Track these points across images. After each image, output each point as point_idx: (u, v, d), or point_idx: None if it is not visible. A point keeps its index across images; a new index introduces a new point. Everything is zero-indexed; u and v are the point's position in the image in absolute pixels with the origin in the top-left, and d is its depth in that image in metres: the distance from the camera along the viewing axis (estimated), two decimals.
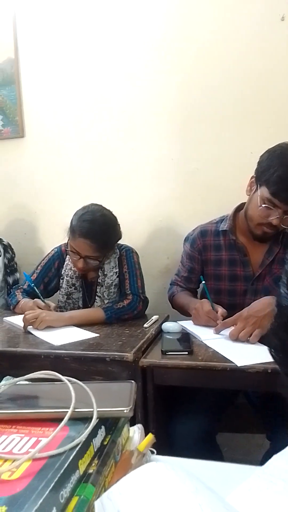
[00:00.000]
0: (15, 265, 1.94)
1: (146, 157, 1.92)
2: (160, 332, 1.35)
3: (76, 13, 1.92)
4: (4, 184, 2.14)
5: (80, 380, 0.60)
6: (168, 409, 1.22)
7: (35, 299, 1.48)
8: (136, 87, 1.89)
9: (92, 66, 1.93)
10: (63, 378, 0.58)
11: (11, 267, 1.90)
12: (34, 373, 0.60)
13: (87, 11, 1.90)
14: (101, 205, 1.55)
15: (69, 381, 0.58)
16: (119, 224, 1.55)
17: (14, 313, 1.55)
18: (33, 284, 1.52)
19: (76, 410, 0.52)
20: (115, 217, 1.54)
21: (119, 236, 1.55)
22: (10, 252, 1.92)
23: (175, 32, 1.81)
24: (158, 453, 0.63)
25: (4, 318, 1.51)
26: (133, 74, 1.88)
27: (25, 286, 1.61)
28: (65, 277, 1.62)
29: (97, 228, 1.45)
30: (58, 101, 2.00)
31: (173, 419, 1.18)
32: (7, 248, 1.90)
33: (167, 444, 1.11)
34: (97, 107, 1.95)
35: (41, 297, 1.48)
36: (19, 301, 1.54)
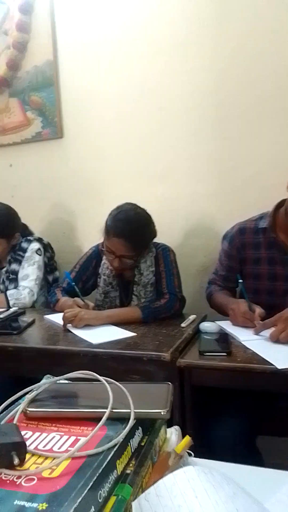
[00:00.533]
0: (54, 264, 1.99)
1: (183, 155, 1.91)
2: (197, 332, 1.33)
3: (114, 15, 1.93)
4: (44, 184, 2.20)
5: (118, 379, 0.61)
6: (206, 411, 1.21)
7: (74, 298, 1.51)
8: (173, 84, 1.88)
9: (129, 66, 1.94)
10: (101, 378, 0.59)
11: (50, 266, 1.95)
12: (73, 372, 0.61)
13: (124, 12, 1.91)
14: (134, 204, 1.56)
15: (107, 381, 0.58)
16: (153, 223, 1.55)
17: (54, 311, 1.58)
18: (73, 283, 1.55)
19: (114, 410, 0.53)
20: (149, 216, 1.54)
21: (153, 235, 1.55)
22: (50, 251, 1.97)
23: (210, 28, 1.77)
24: (195, 456, 0.62)
25: (45, 315, 1.55)
26: (170, 72, 1.87)
27: (64, 285, 1.65)
28: (102, 276, 1.64)
29: (130, 227, 1.46)
30: (95, 101, 2.03)
31: (211, 421, 1.16)
32: (47, 247, 1.95)
33: (205, 447, 1.10)
34: (134, 106, 1.96)
35: (81, 295, 1.51)
36: (59, 299, 1.58)
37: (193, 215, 1.93)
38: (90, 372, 0.60)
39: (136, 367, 1.15)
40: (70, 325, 1.37)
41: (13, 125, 2.18)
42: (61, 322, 1.40)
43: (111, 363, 1.16)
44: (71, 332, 1.33)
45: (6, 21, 2.13)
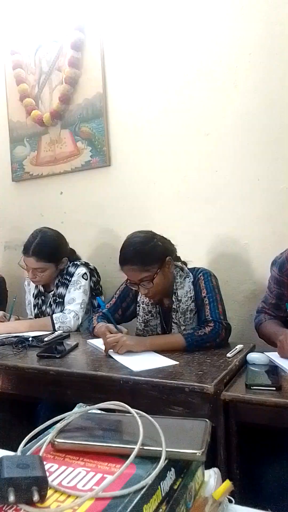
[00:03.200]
0: (100, 289, 2.00)
1: (231, 178, 1.87)
2: (244, 363, 1.26)
3: (160, 44, 1.98)
4: (92, 210, 2.25)
5: (158, 410, 0.58)
6: (254, 451, 1.11)
7: (107, 324, 1.50)
8: (221, 109, 1.87)
9: (176, 93, 1.97)
10: (132, 410, 0.55)
11: (96, 290, 1.97)
12: (105, 403, 0.59)
13: (169, 39, 1.96)
14: (138, 231, 1.57)
15: (139, 414, 0.55)
16: (161, 237, 1.54)
17: (95, 336, 1.58)
18: (105, 309, 1.55)
19: (144, 448, 0.49)
20: (152, 234, 1.55)
21: (160, 248, 1.50)
22: (96, 275, 1.99)
23: (260, 51, 1.76)
24: (237, 503, 0.56)
25: (88, 340, 1.55)
26: (218, 96, 1.87)
27: (104, 310, 1.65)
28: (141, 304, 1.62)
29: (130, 251, 1.48)
30: (142, 130, 2.07)
31: (259, 464, 1.07)
32: (93, 272, 1.98)
33: (251, 493, 1.00)
34: (180, 133, 1.97)
35: (114, 322, 1.50)
36: (95, 326, 1.58)
37: (241, 239, 1.87)
38: (122, 403, 0.57)
39: (177, 398, 1.09)
40: (112, 350, 1.35)
41: (64, 155, 2.28)
42: (103, 347, 1.38)
43: (151, 392, 1.12)
44: (113, 358, 1.31)
45: (59, 58, 2.27)
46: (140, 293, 1.54)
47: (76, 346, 1.49)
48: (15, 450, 0.59)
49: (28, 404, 1.55)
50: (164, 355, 1.30)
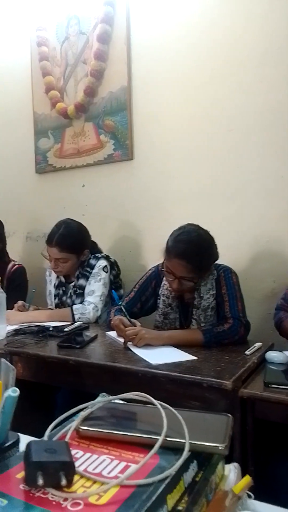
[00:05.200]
0: (120, 282, 2.02)
1: (253, 175, 1.85)
2: (263, 361, 1.25)
3: (186, 39, 1.97)
4: (113, 204, 2.26)
5: (175, 403, 0.58)
6: (271, 448, 1.11)
7: (121, 317, 1.50)
8: (245, 105, 1.85)
9: (201, 88, 1.95)
10: (156, 402, 0.56)
11: (116, 283, 1.98)
12: (128, 393, 0.60)
13: (196, 35, 1.94)
14: (197, 225, 1.53)
15: (162, 406, 0.56)
16: (215, 245, 1.50)
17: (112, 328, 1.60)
18: (120, 303, 1.56)
19: (168, 439, 0.50)
20: (211, 237, 1.50)
21: (215, 257, 1.50)
22: (116, 268, 2.00)
23: (286, 47, 1.73)
24: (256, 498, 0.57)
25: (107, 332, 1.57)
26: (243, 92, 1.85)
27: (122, 304, 1.65)
28: (161, 297, 1.62)
29: (192, 248, 1.43)
30: (165, 124, 2.06)
31: (275, 460, 1.07)
32: (114, 265, 1.99)
33: (268, 489, 1.00)
34: (203, 128, 1.96)
35: (127, 316, 1.50)
36: (111, 319, 1.59)
37: (262, 237, 1.85)
38: (146, 394, 0.58)
39: (195, 393, 1.10)
40: (130, 343, 1.36)
41: (87, 147, 2.29)
42: (122, 340, 1.40)
43: (169, 386, 1.13)
44: (131, 351, 1.32)
45: (85, 50, 2.28)
46: (169, 284, 1.53)
47: (95, 337, 1.51)
48: (36, 435, 0.61)
49: (46, 392, 1.58)
50: (182, 350, 1.31)
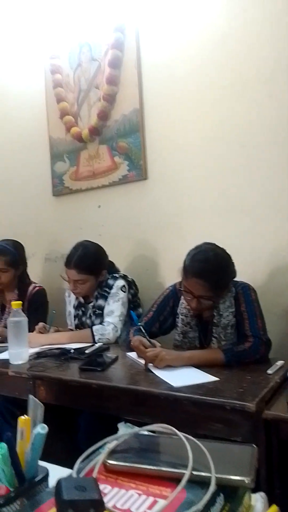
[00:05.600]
0: (138, 301, 2.03)
1: (267, 190, 1.86)
2: (286, 380, 1.24)
3: (196, 57, 2.00)
4: (129, 223, 2.29)
5: (198, 426, 0.59)
6: None
7: (141, 338, 1.51)
8: (257, 120, 1.86)
9: (212, 106, 1.98)
10: (180, 434, 0.57)
11: (134, 303, 2.00)
12: (153, 425, 0.61)
13: (207, 53, 1.97)
14: (214, 244, 1.54)
15: (187, 438, 0.57)
16: (233, 263, 1.51)
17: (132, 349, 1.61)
18: (142, 323, 1.57)
19: (194, 473, 0.51)
20: (228, 256, 1.51)
21: (233, 275, 1.50)
22: (134, 288, 2.02)
23: None
24: None
25: (127, 353, 1.58)
26: (254, 108, 1.87)
27: (141, 324, 1.66)
28: (180, 316, 1.62)
29: (210, 267, 1.44)
30: (178, 143, 2.09)
31: None
32: (132, 284, 2.01)
33: None
34: (216, 145, 1.98)
35: (147, 336, 1.50)
36: (131, 339, 1.60)
37: (278, 251, 1.85)
38: (170, 426, 0.59)
39: (218, 415, 1.10)
40: (151, 364, 1.37)
41: (102, 169, 2.34)
42: (143, 361, 1.40)
43: (191, 409, 1.13)
44: (152, 372, 1.33)
45: (97, 76, 2.34)
46: (187, 303, 1.54)
47: (116, 359, 1.53)
48: (59, 458, 0.61)
49: (68, 414, 1.59)
50: (203, 370, 1.31)
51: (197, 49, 2.00)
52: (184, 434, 0.57)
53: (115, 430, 1.62)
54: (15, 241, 2.24)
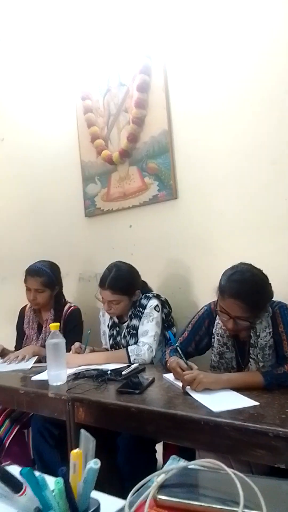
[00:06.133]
0: (172, 320, 2.04)
1: None
2: None
3: (223, 76, 2.03)
4: (160, 242, 2.32)
5: (240, 452, 0.60)
6: None
7: (178, 360, 1.51)
8: (286, 137, 1.86)
9: (241, 123, 1.99)
10: (230, 471, 0.58)
11: (168, 322, 2.00)
12: (201, 460, 0.61)
13: (234, 70, 1.99)
14: (250, 264, 1.53)
15: (236, 476, 0.57)
16: (270, 284, 1.49)
17: (167, 370, 1.61)
18: (176, 344, 1.57)
19: (246, 511, 0.51)
20: (265, 276, 1.49)
21: (270, 296, 1.48)
22: (167, 307, 2.03)
23: None
24: None
25: (164, 375, 1.58)
26: (284, 126, 1.87)
27: (177, 345, 1.66)
28: (216, 336, 1.62)
29: (247, 288, 1.43)
30: (208, 161, 2.11)
31: None
32: (165, 303, 2.02)
33: None
34: (246, 163, 1.98)
35: (183, 358, 1.50)
36: (167, 360, 1.60)
37: None
38: (219, 463, 0.59)
39: (260, 441, 1.08)
40: (189, 387, 1.36)
41: (133, 190, 2.39)
42: (180, 383, 1.40)
43: (233, 434, 1.12)
44: (190, 396, 1.33)
45: (126, 100, 2.41)
46: (223, 323, 1.53)
47: (153, 381, 1.53)
48: (101, 481, 0.62)
49: (107, 435, 1.60)
50: (242, 393, 1.29)
51: (225, 71, 2.03)
52: (233, 470, 0.57)
53: (154, 452, 1.62)
54: (51, 262, 2.31)
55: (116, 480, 1.44)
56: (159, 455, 1.63)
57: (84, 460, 0.58)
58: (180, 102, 2.21)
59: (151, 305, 1.95)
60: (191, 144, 2.17)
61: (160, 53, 2.24)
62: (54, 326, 1.64)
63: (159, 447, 1.66)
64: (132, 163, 2.38)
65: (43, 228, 2.90)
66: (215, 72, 2.06)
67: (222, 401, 1.24)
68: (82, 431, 0.60)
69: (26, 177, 3.00)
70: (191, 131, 2.17)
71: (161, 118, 2.25)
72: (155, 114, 2.27)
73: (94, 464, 0.54)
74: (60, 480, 0.53)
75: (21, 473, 0.55)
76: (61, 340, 1.62)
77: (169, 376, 1.54)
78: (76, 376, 1.66)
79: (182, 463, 0.63)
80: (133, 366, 1.70)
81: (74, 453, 0.57)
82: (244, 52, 1.96)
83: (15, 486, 0.55)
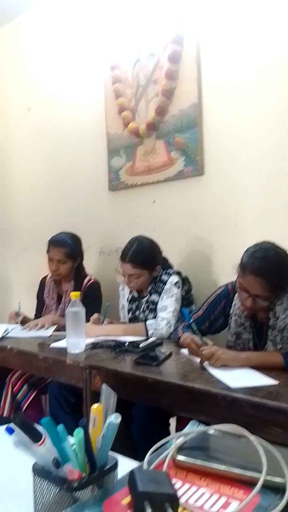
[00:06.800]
0: (191, 297, 2.02)
1: None
2: None
3: (256, 54, 1.94)
4: (183, 218, 2.28)
5: (256, 429, 0.58)
6: None
7: (193, 336, 1.50)
8: None
9: (272, 101, 1.91)
10: (253, 438, 0.56)
11: (187, 299, 1.99)
12: (223, 425, 0.60)
13: (267, 50, 1.90)
14: (274, 243, 1.48)
15: (258, 441, 0.55)
16: None
17: (180, 345, 1.60)
18: (191, 321, 1.55)
19: (268, 479, 0.50)
20: None
21: None
22: (187, 284, 2.01)
23: None
24: None
25: (181, 350, 1.58)
26: None
27: (190, 321, 1.65)
28: (233, 316, 1.59)
29: (269, 266, 1.39)
30: (236, 138, 2.03)
31: None
32: (185, 280, 2.00)
33: None
34: (276, 141, 1.91)
35: (199, 334, 1.49)
36: (180, 336, 1.59)
37: None
38: (242, 428, 0.58)
39: (278, 419, 1.07)
40: (207, 363, 1.35)
41: (158, 165, 2.34)
42: (195, 358, 1.40)
43: (250, 411, 1.11)
44: (207, 371, 1.32)
45: (156, 70, 2.34)
46: (241, 302, 1.50)
47: (170, 354, 1.53)
48: (115, 451, 0.62)
49: (122, 406, 1.62)
50: (262, 373, 1.27)
51: (260, 45, 1.94)
52: (256, 437, 0.56)
53: (167, 425, 1.62)
54: (73, 233, 2.31)
55: (129, 451, 1.46)
56: (172, 430, 1.64)
57: (104, 416, 0.57)
58: (212, 74, 2.12)
59: (171, 281, 1.93)
60: (221, 119, 2.10)
61: (193, 22, 2.15)
62: (74, 295, 1.65)
63: (172, 422, 1.67)
64: (159, 136, 2.33)
65: (66, 201, 2.90)
66: (249, 44, 1.97)
67: (240, 378, 1.23)
68: (104, 385, 0.60)
69: (51, 148, 2.98)
70: (221, 105, 2.09)
71: (191, 90, 2.17)
72: (185, 87, 2.20)
73: (115, 418, 0.54)
74: (80, 430, 0.52)
75: (41, 423, 0.55)
76: (81, 309, 1.63)
77: (186, 352, 1.53)
78: (94, 346, 1.67)
79: (202, 427, 0.62)
80: (150, 340, 1.70)
81: (94, 407, 0.57)
82: (282, 24, 1.86)
83: (34, 435, 0.55)
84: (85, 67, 2.72)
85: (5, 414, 2.02)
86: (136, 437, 1.46)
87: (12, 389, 2.03)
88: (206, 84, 2.14)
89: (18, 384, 2.03)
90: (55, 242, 2.21)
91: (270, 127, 1.93)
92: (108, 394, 0.58)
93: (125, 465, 0.63)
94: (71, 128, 2.82)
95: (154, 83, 2.35)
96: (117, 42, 2.50)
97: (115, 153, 2.55)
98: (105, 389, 0.59)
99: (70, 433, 0.55)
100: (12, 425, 0.56)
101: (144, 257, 1.90)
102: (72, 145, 2.83)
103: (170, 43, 2.23)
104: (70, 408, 1.75)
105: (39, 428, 0.56)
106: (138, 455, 0.76)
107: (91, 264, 2.58)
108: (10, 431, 0.55)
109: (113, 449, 0.62)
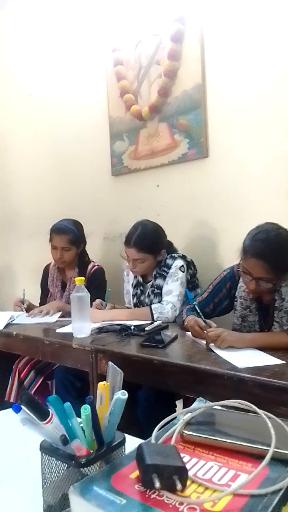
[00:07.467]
0: (196, 281, 2.01)
1: None
2: None
3: (261, 36, 1.89)
4: (187, 202, 2.26)
5: (263, 408, 0.57)
6: None
7: (196, 318, 1.50)
8: None
9: (277, 81, 1.87)
10: (261, 412, 0.56)
11: (193, 283, 1.98)
12: (230, 400, 0.60)
13: (271, 33, 1.85)
14: (276, 224, 1.46)
15: (267, 416, 0.55)
16: None
17: (184, 328, 1.60)
18: (194, 303, 1.55)
19: (277, 450, 0.49)
20: None
21: None
22: (192, 268, 2.00)
23: None
24: None
25: (186, 332, 1.58)
26: None
27: (194, 303, 1.64)
28: (238, 299, 1.58)
29: (271, 248, 1.37)
30: (241, 120, 2.00)
31: None
32: (190, 264, 1.99)
33: None
34: (281, 122, 1.87)
35: (202, 316, 1.49)
36: (184, 318, 1.59)
37: None
38: (250, 404, 0.58)
39: (283, 398, 1.07)
40: (213, 344, 1.35)
41: (161, 148, 2.31)
42: (199, 341, 1.39)
43: (256, 390, 1.10)
44: (214, 352, 1.32)
45: (158, 51, 2.29)
46: (245, 285, 1.49)
47: (176, 337, 1.53)
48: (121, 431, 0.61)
49: (128, 388, 1.63)
50: (267, 353, 1.27)
51: (264, 24, 1.88)
52: (263, 411, 0.55)
53: (173, 407, 1.63)
54: (74, 220, 2.30)
55: (135, 434, 1.47)
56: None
57: (111, 393, 0.57)
58: (216, 54, 2.08)
59: (176, 265, 1.93)
60: (225, 100, 2.06)
61: (196, 1, 2.09)
62: (79, 280, 1.64)
63: (179, 404, 1.68)
64: (162, 119, 2.29)
65: (68, 186, 2.88)
66: (254, 21, 1.92)
67: (247, 358, 1.23)
68: (110, 363, 0.59)
69: (52, 133, 2.95)
70: (226, 86, 2.05)
71: (195, 71, 2.13)
72: (189, 67, 2.16)
73: (122, 394, 0.54)
74: (87, 407, 0.52)
75: (48, 400, 0.55)
76: (86, 294, 1.63)
77: (189, 334, 1.53)
78: (100, 330, 1.68)
79: (209, 403, 0.62)
80: (156, 323, 1.71)
81: (101, 385, 0.56)
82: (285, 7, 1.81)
83: (41, 413, 0.55)
84: (86, 50, 2.67)
85: (12, 399, 2.05)
86: (142, 418, 1.47)
87: (19, 375, 2.05)
88: (210, 64, 2.10)
89: (25, 371, 2.05)
90: (58, 230, 2.20)
91: (276, 108, 1.89)
92: (114, 372, 0.58)
93: (132, 443, 0.63)
94: (73, 113, 2.79)
95: (156, 64, 2.31)
96: (118, 23, 2.45)
97: (118, 137, 2.52)
98: (112, 367, 0.58)
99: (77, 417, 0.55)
100: (19, 403, 0.55)
101: (149, 241, 1.89)
102: (74, 130, 2.80)
103: (173, 22, 2.18)
104: (77, 392, 1.76)
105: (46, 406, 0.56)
106: (144, 437, 0.77)
107: (95, 250, 2.57)
108: (17, 409, 0.55)
109: (119, 431, 0.62)
